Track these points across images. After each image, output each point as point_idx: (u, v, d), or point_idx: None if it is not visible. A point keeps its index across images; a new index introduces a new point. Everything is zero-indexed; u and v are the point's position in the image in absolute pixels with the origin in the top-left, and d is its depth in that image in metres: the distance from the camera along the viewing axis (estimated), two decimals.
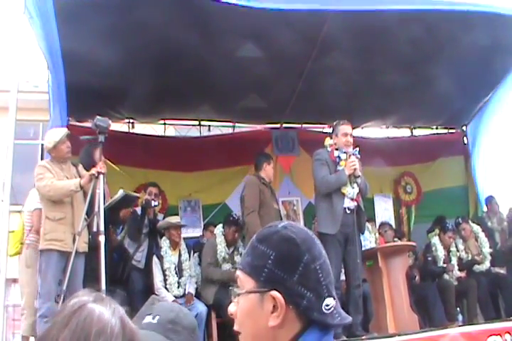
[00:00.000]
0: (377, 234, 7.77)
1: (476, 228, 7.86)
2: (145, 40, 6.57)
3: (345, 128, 5.81)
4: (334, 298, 1.22)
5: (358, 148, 5.81)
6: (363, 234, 6.22)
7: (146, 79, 7.13)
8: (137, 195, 6.13)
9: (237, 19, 6.33)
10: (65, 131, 5.37)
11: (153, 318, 1.62)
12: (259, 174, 6.44)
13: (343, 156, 5.69)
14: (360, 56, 7.44)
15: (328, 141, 5.87)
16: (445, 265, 7.30)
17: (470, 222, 8.03)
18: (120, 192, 5.83)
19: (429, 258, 7.32)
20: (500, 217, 8.48)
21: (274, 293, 1.17)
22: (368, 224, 7.05)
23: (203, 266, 6.58)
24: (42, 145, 7.85)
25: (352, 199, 5.66)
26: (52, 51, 5.44)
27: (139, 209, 6.67)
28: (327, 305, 1.19)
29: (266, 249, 1.21)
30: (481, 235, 7.79)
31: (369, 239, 7.29)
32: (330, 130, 6.47)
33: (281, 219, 6.44)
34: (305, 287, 1.18)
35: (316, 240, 1.27)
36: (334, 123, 5.94)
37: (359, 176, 5.64)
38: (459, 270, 7.37)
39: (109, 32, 6.20)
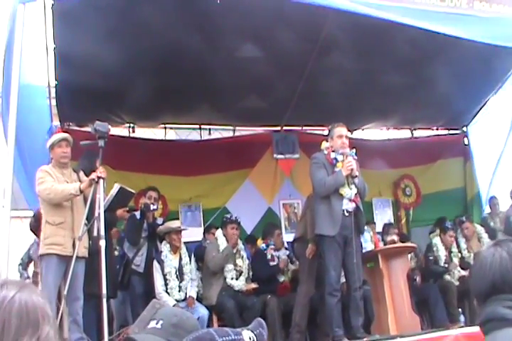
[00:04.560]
0: (372, 234, 7.75)
1: (480, 229, 7.85)
2: (145, 42, 6.61)
3: (340, 130, 5.84)
4: (248, 329, 1.31)
5: (354, 150, 5.82)
6: (362, 234, 6.23)
7: (147, 82, 7.15)
8: (133, 191, 6.01)
9: (237, 20, 6.36)
10: (64, 135, 5.43)
11: (156, 323, 1.65)
12: None
13: (340, 158, 5.71)
14: (361, 56, 7.44)
15: (324, 145, 5.90)
16: (447, 265, 7.28)
17: (474, 222, 8.02)
18: (116, 186, 5.77)
19: (431, 258, 7.30)
20: (502, 217, 8.48)
21: None
22: (366, 227, 7.05)
23: (207, 259, 6.56)
24: None
25: (350, 200, 5.66)
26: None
27: (138, 214, 6.68)
28: (250, 338, 1.29)
29: None
30: (484, 236, 7.78)
31: (369, 241, 7.28)
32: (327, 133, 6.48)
33: None
34: None
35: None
36: (330, 126, 5.97)
37: (356, 176, 5.66)
38: (462, 268, 7.35)
39: (109, 35, 6.22)
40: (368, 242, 7.12)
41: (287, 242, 7.40)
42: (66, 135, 5.48)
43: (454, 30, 5.45)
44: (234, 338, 1.26)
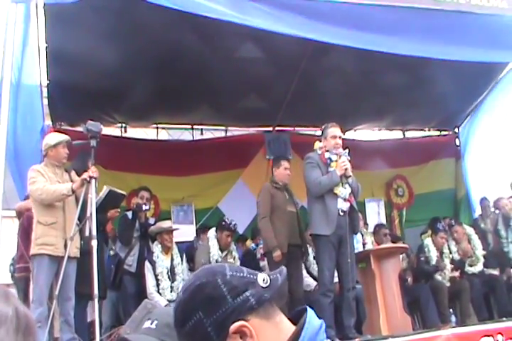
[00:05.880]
0: (372, 237, 7.77)
1: (469, 230, 7.85)
2: (138, 42, 6.61)
3: (334, 130, 5.84)
4: (260, 271, 1.21)
5: (347, 150, 5.82)
6: (356, 234, 6.23)
7: (139, 83, 7.15)
8: (123, 192, 6.03)
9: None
10: (67, 136, 5.42)
11: (151, 323, 1.64)
12: (273, 178, 6.46)
13: (334, 157, 5.70)
14: (355, 57, 7.43)
15: (317, 145, 5.90)
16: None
17: (463, 224, 8.04)
18: (105, 189, 5.78)
19: (422, 258, 7.32)
20: (493, 218, 8.51)
21: (231, 328, 1.11)
22: (364, 229, 7.04)
23: (196, 267, 6.55)
24: None
25: (345, 200, 5.67)
26: None
27: (129, 213, 6.67)
28: (263, 280, 1.17)
29: (194, 320, 1.14)
30: (474, 237, 7.77)
31: (361, 241, 7.27)
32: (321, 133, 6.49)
33: (299, 220, 6.37)
34: (241, 292, 1.14)
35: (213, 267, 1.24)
36: (323, 126, 5.98)
37: (350, 176, 5.67)
38: (452, 270, 7.37)
39: (101, 34, 6.23)
40: (359, 243, 7.10)
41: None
42: (68, 137, 5.47)
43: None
44: (245, 275, 1.18)
